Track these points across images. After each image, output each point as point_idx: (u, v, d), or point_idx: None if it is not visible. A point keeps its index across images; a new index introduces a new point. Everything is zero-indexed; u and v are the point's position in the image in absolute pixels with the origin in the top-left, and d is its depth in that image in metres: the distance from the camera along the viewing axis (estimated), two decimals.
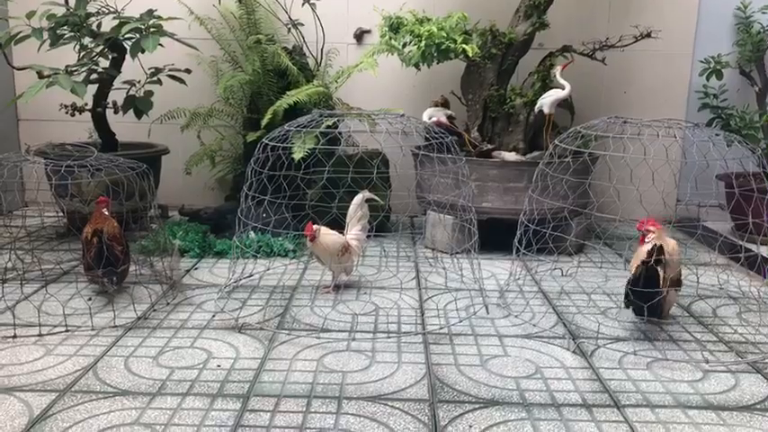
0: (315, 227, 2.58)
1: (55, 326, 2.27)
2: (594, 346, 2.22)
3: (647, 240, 2.33)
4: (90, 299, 2.53)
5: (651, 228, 2.35)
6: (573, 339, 2.27)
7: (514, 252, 2.62)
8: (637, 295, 2.22)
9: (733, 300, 2.73)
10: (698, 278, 2.93)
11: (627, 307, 2.33)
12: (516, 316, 2.48)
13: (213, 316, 2.41)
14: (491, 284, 2.85)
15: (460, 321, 2.41)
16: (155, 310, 2.45)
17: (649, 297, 2.19)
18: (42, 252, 3.13)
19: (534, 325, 2.39)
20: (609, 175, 2.91)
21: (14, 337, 2.18)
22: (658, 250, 2.22)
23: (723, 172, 3.27)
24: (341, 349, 2.15)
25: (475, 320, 2.43)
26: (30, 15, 3.05)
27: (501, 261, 3.19)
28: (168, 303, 2.52)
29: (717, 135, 2.50)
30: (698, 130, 2.42)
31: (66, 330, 2.23)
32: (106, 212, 2.56)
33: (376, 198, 2.82)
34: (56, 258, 3.02)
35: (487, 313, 2.50)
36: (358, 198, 2.78)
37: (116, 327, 2.28)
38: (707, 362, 2.12)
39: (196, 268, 2.99)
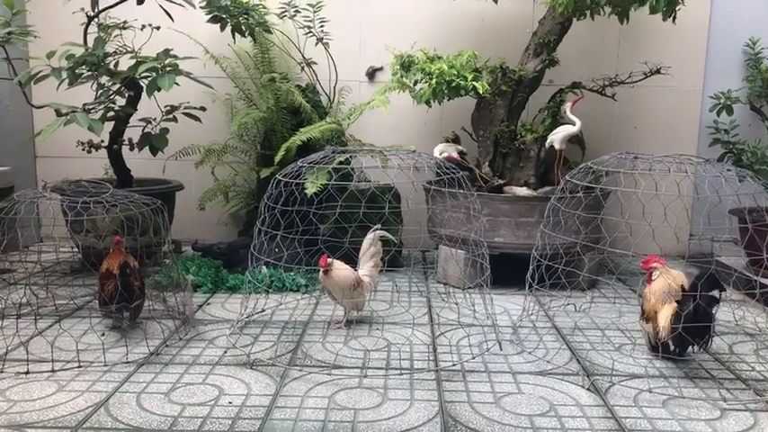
0: (329, 260, 2.59)
1: (68, 361, 2.27)
2: (609, 383, 2.20)
3: (654, 277, 2.32)
4: (103, 334, 2.54)
5: (655, 264, 2.34)
6: (587, 376, 2.24)
7: (527, 287, 2.61)
8: (690, 331, 2.18)
9: (750, 336, 2.69)
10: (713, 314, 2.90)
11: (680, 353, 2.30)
12: (530, 352, 2.46)
13: (225, 352, 2.41)
14: (504, 320, 2.84)
15: (473, 358, 2.40)
16: (167, 346, 2.45)
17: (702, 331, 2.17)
18: (57, 287, 3.16)
19: (548, 362, 2.37)
20: (621, 211, 2.90)
21: (27, 372, 2.18)
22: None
23: (736, 207, 3.26)
24: (353, 386, 2.14)
25: (488, 357, 2.41)
26: (50, 55, 3.12)
27: (514, 296, 3.18)
28: (181, 339, 2.53)
29: (728, 170, 2.50)
30: (709, 166, 2.42)
31: (79, 366, 2.24)
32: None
33: (389, 235, 2.83)
34: (70, 294, 3.04)
35: (501, 349, 2.48)
36: (370, 235, 2.79)
37: (128, 362, 2.28)
38: (724, 400, 2.08)
39: (209, 303, 3.00)
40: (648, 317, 2.35)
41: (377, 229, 2.80)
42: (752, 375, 2.28)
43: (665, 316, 2.27)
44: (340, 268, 2.63)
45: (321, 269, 2.59)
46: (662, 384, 2.19)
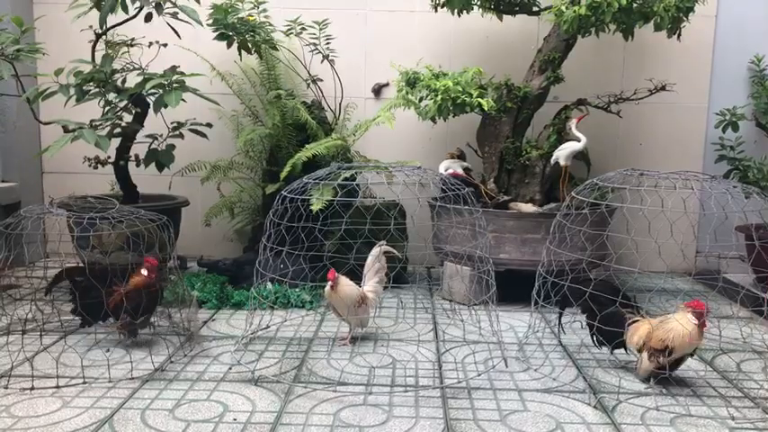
0: (336, 274, 2.59)
1: (72, 377, 2.27)
2: (616, 401, 2.18)
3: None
4: (108, 350, 2.54)
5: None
6: (594, 394, 2.23)
7: (533, 304, 2.60)
8: None
9: (757, 354, 2.67)
10: (720, 332, 2.88)
11: None
12: (536, 370, 2.44)
13: (230, 368, 2.41)
14: (510, 337, 2.82)
15: (479, 375, 2.38)
16: (172, 362, 2.44)
17: None
18: (62, 303, 3.16)
19: (554, 379, 2.36)
20: (627, 227, 2.90)
21: (32, 388, 2.18)
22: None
23: (742, 224, 3.25)
24: (358, 403, 2.13)
25: (494, 374, 2.40)
26: (58, 72, 3.15)
27: (519, 313, 3.17)
28: (185, 355, 2.52)
29: (735, 187, 2.49)
30: (715, 182, 2.41)
31: (84, 382, 2.23)
32: (144, 272, 2.56)
33: (393, 251, 2.83)
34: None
35: (506, 367, 2.47)
36: (375, 250, 2.78)
37: (133, 379, 2.28)
38: (733, 418, 2.06)
39: (213, 319, 3.00)
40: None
41: (382, 244, 2.80)
42: (760, 394, 2.27)
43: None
44: (346, 284, 2.63)
45: (329, 282, 2.58)
46: (669, 402, 2.17)
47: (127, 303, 2.47)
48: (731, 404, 2.17)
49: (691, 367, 2.48)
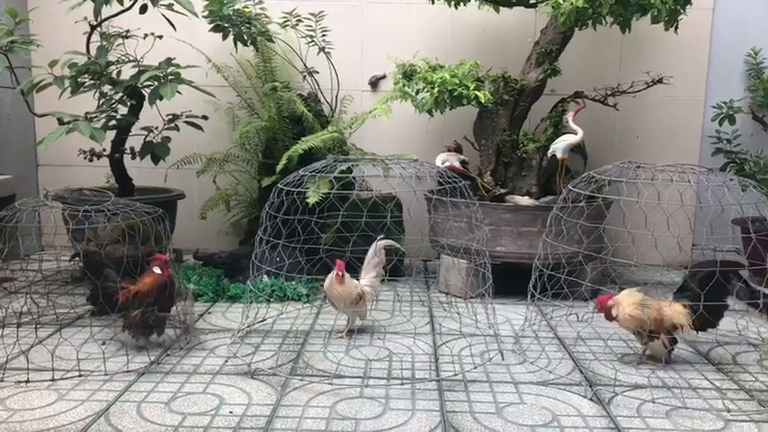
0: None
1: (68, 370, 2.26)
2: (612, 393, 2.18)
3: (614, 314, 2.40)
4: (104, 343, 2.53)
5: (610, 302, 2.41)
6: (590, 386, 2.23)
7: (529, 297, 2.60)
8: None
9: (753, 347, 2.68)
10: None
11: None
12: (532, 362, 2.45)
13: (226, 361, 2.40)
14: (506, 330, 2.82)
15: (475, 368, 2.39)
16: (168, 355, 2.44)
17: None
18: (57, 296, 3.15)
19: (550, 372, 2.36)
20: (623, 220, 2.89)
21: (27, 381, 2.17)
22: None
23: (739, 217, 3.25)
24: (354, 396, 2.13)
25: (490, 367, 2.40)
26: (52, 64, 3.13)
27: (516, 306, 3.17)
28: (181, 348, 2.52)
29: (731, 180, 2.49)
30: (712, 175, 2.41)
31: (80, 375, 2.23)
32: (158, 270, 2.49)
33: (396, 244, 2.82)
34: (71, 302, 3.03)
35: (503, 359, 2.47)
36: (375, 244, 2.78)
37: (129, 371, 2.27)
38: (728, 411, 2.07)
39: (210, 312, 2.99)
40: (655, 331, 2.35)
41: (381, 238, 2.79)
42: (755, 386, 2.27)
43: (678, 312, 2.34)
44: (345, 279, 2.62)
45: (336, 271, 2.57)
46: (665, 395, 2.18)
47: (137, 303, 2.42)
48: (727, 396, 2.18)
49: (687, 360, 2.49)
